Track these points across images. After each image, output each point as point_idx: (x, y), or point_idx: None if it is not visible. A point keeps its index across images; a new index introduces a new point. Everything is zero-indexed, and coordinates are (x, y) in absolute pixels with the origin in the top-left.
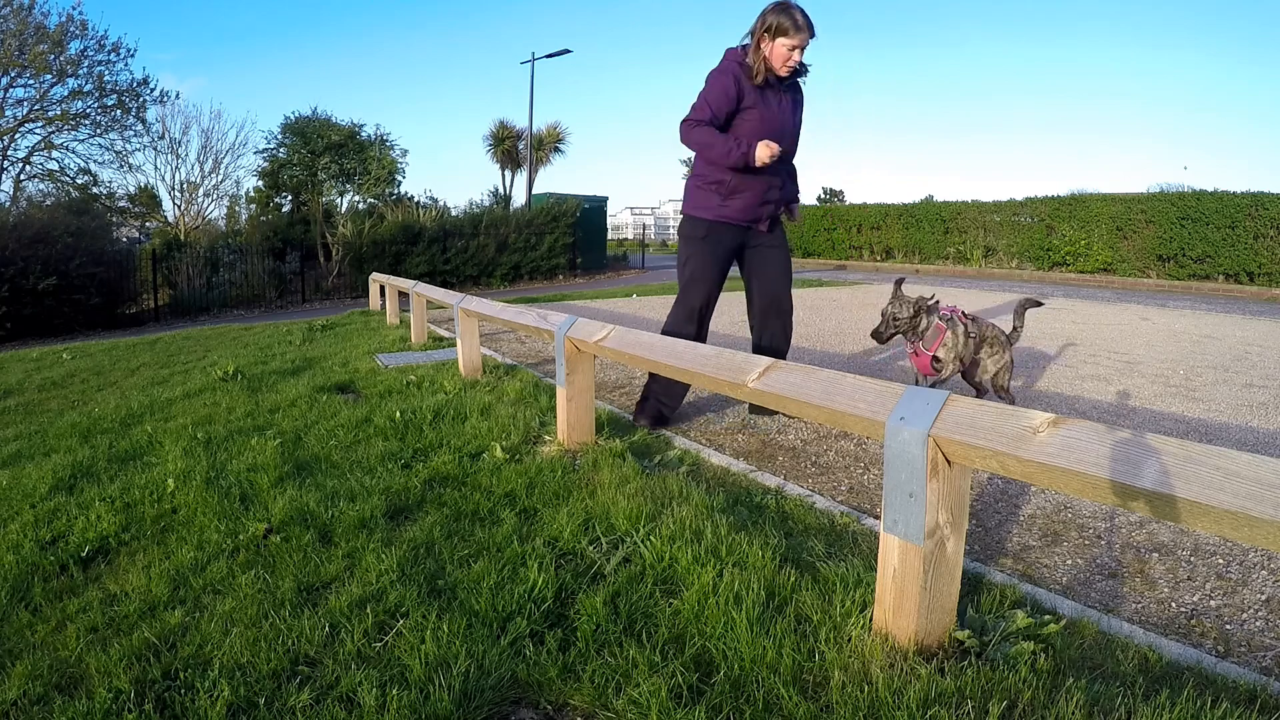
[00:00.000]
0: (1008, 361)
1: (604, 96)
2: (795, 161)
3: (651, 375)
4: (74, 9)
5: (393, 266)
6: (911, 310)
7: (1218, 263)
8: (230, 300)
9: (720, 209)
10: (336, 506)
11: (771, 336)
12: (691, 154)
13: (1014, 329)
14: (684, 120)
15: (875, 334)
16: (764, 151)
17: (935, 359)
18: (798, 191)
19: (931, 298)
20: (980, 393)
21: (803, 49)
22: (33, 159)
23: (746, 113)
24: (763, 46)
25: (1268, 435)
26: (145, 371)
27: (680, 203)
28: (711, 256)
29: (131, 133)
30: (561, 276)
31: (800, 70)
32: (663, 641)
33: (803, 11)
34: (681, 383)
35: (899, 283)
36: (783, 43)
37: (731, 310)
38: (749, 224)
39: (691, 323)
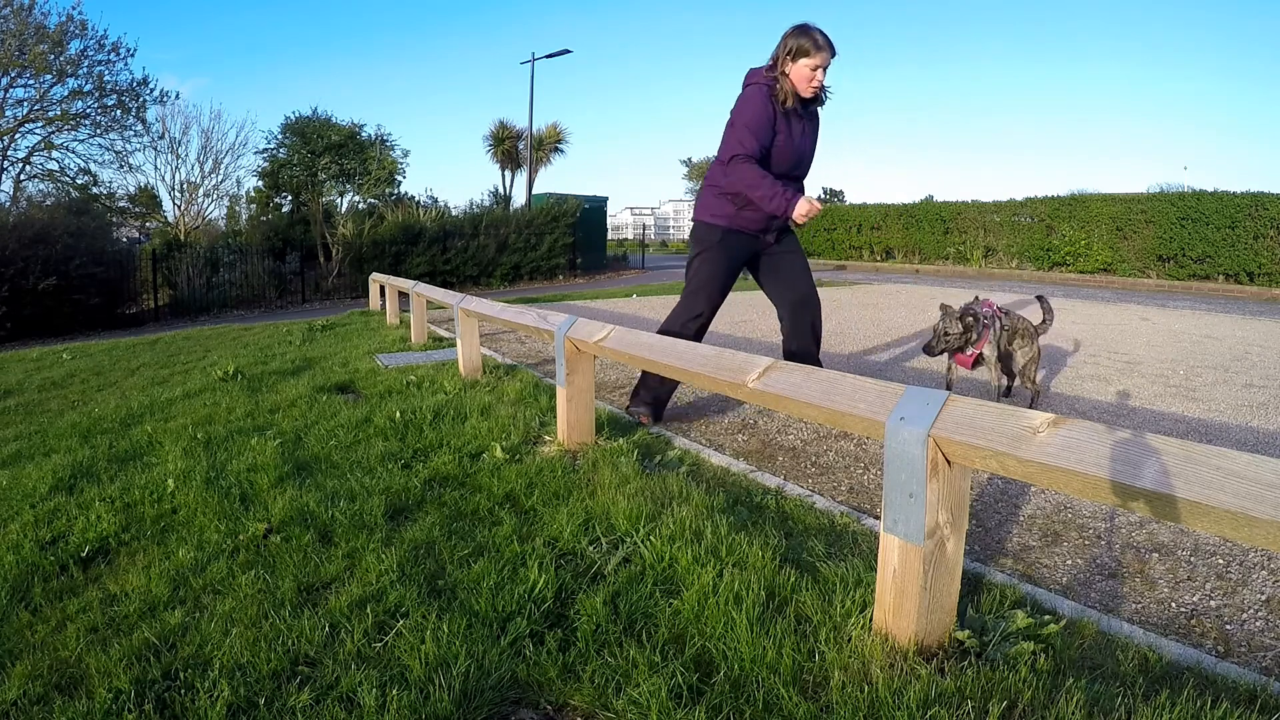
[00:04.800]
0: (1035, 354)
1: (604, 96)
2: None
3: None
4: (74, 9)
5: (393, 266)
6: (961, 327)
7: (1218, 263)
8: (230, 300)
9: (735, 218)
10: (336, 506)
11: (803, 335)
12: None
13: (1044, 320)
14: (732, 155)
15: (927, 348)
16: (804, 208)
17: (980, 356)
18: None
19: (978, 302)
20: (1012, 380)
21: (825, 68)
22: (33, 159)
23: (774, 139)
24: (787, 70)
25: (1268, 435)
26: (145, 371)
27: (679, 203)
28: (724, 261)
29: (131, 133)
30: (561, 276)
31: (822, 93)
32: (663, 641)
33: (822, 32)
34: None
35: (944, 306)
36: (805, 63)
37: (732, 311)
38: (759, 233)
39: (694, 323)
